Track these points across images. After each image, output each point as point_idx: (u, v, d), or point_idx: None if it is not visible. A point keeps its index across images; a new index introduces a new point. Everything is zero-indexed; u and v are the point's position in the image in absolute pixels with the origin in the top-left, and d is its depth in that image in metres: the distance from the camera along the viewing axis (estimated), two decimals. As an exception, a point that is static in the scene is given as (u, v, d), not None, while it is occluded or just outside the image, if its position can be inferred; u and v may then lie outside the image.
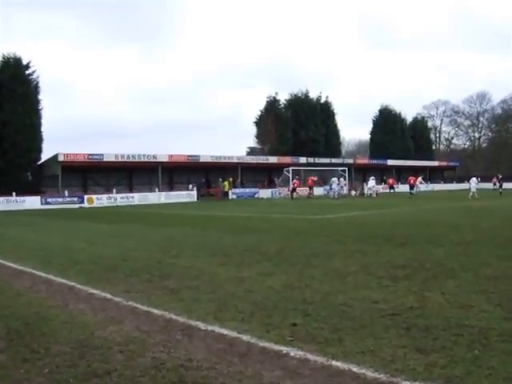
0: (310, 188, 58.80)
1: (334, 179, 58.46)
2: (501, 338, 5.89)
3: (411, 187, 55.16)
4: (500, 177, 60.55)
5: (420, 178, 60.43)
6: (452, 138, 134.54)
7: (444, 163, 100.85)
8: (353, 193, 60.41)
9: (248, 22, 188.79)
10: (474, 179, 50.05)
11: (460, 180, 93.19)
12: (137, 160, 55.95)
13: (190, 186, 58.89)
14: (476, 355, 5.36)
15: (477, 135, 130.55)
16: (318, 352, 5.59)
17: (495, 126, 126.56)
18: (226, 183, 59.40)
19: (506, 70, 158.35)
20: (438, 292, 8.32)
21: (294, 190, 55.99)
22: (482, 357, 5.30)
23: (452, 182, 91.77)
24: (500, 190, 55.61)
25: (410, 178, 57.29)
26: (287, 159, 69.03)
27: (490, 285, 8.81)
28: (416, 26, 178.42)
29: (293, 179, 58.13)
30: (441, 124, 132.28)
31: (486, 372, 4.90)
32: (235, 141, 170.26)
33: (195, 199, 56.12)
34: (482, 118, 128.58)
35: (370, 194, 56.46)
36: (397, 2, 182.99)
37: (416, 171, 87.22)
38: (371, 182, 58.17)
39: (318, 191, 65.31)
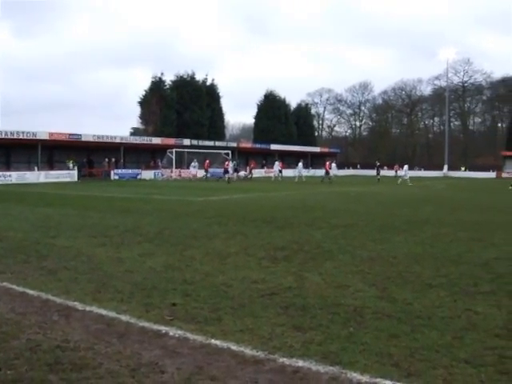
0: (206, 171, 58.56)
1: (194, 163, 58.87)
2: (375, 316, 6.14)
3: (327, 172, 55.62)
4: (378, 164, 62.63)
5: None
6: (334, 126, 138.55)
7: (326, 149, 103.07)
8: (242, 173, 60.78)
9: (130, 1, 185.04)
10: (406, 166, 51.81)
11: (340, 166, 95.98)
12: (15, 137, 53.48)
13: (71, 166, 57.26)
14: (351, 332, 5.56)
15: (358, 123, 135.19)
16: (198, 331, 5.61)
17: (376, 115, 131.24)
18: (71, 162, 57.59)
19: (386, 62, 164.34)
20: (315, 273, 8.55)
21: (226, 171, 53.72)
22: (356, 334, 5.51)
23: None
24: (378, 177, 57.44)
25: (327, 162, 57.95)
26: (171, 141, 68.33)
27: (365, 266, 9.15)
28: (301, 15, 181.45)
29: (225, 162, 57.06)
30: (324, 111, 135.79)
31: (360, 348, 5.10)
32: (119, 121, 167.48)
33: (76, 179, 54.72)
34: (363, 107, 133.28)
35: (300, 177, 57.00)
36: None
37: (298, 156, 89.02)
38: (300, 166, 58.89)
39: (202, 174, 65.43)
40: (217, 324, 5.87)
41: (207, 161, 58.88)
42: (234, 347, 5.14)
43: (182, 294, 7.11)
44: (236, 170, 60.54)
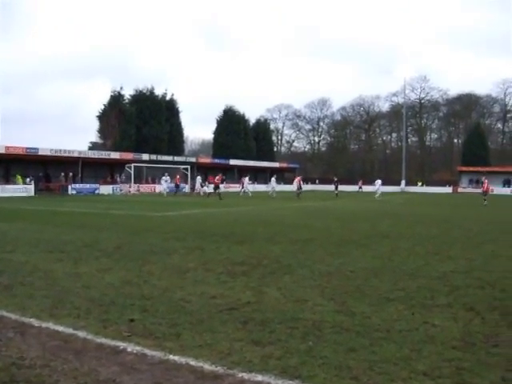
0: (177, 186, 57.81)
1: (198, 177, 57.97)
2: (333, 330, 6.17)
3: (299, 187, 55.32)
4: (336, 179, 63.01)
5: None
6: (293, 141, 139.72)
7: (285, 165, 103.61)
8: (206, 189, 60.17)
9: (88, 14, 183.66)
10: (379, 181, 52.09)
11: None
12: (-30, 151, 52.81)
13: (28, 180, 56.38)
14: (310, 346, 5.57)
15: (316, 139, 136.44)
16: (156, 347, 5.56)
17: (334, 131, 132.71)
18: (19, 177, 56.49)
19: (345, 79, 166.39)
20: (274, 287, 8.56)
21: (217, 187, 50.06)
22: (315, 348, 5.52)
23: (291, 183, 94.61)
24: (336, 192, 57.70)
25: (297, 178, 57.90)
26: (129, 155, 67.90)
27: (324, 280, 9.19)
28: (261, 32, 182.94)
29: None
30: (283, 127, 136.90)
31: (319, 361, 5.12)
32: (77, 135, 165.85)
33: (33, 193, 53.89)
34: (322, 123, 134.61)
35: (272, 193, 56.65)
36: (240, 9, 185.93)
37: (258, 172, 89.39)
38: (273, 182, 58.54)
39: (161, 189, 65.38)
40: (175, 339, 5.82)
41: (177, 176, 58.36)
42: (192, 363, 5.11)
43: (140, 310, 7.05)
44: (201, 186, 60.25)
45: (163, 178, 56.74)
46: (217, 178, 50.93)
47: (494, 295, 8.32)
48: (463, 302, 7.77)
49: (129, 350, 5.50)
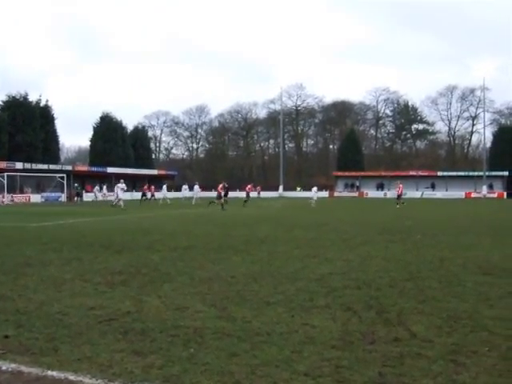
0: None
1: (122, 185, 54.49)
2: (215, 336, 6.17)
3: (247, 195, 55.72)
4: (225, 185, 63.08)
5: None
6: (172, 148, 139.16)
7: (163, 172, 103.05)
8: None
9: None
10: (314, 188, 53.00)
11: (178, 189, 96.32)
12: None
13: None
14: (192, 353, 5.55)
15: (195, 146, 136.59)
16: (33, 363, 5.36)
17: (212, 137, 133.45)
18: None
19: (222, 86, 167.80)
20: (154, 296, 8.47)
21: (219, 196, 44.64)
22: (197, 355, 5.50)
23: (171, 191, 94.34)
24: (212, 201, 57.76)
25: (248, 186, 57.62)
26: (2, 164, 65.46)
27: (204, 287, 9.19)
28: (136, 40, 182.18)
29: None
30: (161, 134, 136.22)
31: (201, 368, 5.11)
32: None
33: None
34: (200, 130, 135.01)
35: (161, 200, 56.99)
36: (113, 17, 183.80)
37: (136, 179, 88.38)
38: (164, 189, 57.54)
39: (36, 198, 63.53)
40: (53, 354, 5.63)
41: (119, 185, 54.61)
42: (71, 377, 4.95)
43: (14, 325, 6.76)
44: (78, 194, 58.80)
45: (118, 185, 48.27)
46: (220, 186, 45.50)
47: (370, 294, 8.60)
48: (341, 302, 7.99)
49: (3, 368, 5.26)
